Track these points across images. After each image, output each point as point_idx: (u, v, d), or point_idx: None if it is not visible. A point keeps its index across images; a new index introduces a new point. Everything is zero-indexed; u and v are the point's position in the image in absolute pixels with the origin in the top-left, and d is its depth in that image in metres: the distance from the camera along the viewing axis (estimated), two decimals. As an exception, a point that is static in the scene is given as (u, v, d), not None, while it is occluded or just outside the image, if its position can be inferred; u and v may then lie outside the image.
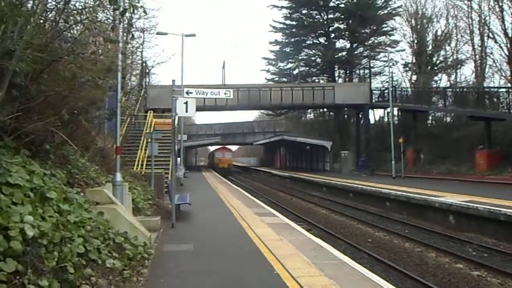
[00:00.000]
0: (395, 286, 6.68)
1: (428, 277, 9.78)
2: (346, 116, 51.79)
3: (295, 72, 48.40)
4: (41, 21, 7.43)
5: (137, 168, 19.27)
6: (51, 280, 4.26)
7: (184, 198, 14.08)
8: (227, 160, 60.45)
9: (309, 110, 58.31)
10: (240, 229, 11.16)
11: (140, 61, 33.12)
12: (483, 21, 35.50)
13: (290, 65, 54.13)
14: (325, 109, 53.11)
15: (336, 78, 51.53)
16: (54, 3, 7.52)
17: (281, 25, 52.83)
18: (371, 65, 48.16)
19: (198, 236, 10.23)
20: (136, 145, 21.87)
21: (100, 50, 8.84)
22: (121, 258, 6.66)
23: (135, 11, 6.75)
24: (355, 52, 50.39)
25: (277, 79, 56.83)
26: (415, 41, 42.40)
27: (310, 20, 51.15)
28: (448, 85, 40.07)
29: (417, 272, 10.15)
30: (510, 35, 32.30)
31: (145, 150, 20.22)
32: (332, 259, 7.88)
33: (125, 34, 14.51)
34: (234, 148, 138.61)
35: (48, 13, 7.64)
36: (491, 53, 36.80)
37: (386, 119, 45.18)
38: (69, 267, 4.86)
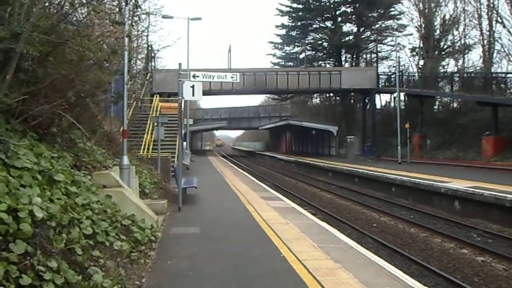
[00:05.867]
0: (400, 270, 6.71)
1: (433, 262, 9.82)
2: (352, 101, 51.56)
3: (301, 56, 48.14)
4: (47, 3, 7.40)
5: (143, 152, 19.33)
6: (60, 262, 4.29)
7: (191, 181, 14.14)
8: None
9: (315, 95, 58.09)
10: (247, 212, 11.21)
11: (145, 45, 32.99)
12: (491, 5, 35.05)
13: (296, 49, 53.79)
14: (331, 94, 52.90)
15: (343, 63, 51.17)
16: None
17: (288, 9, 52.36)
18: (378, 49, 47.84)
19: (204, 219, 10.30)
20: (143, 129, 21.90)
21: (107, 32, 8.76)
22: (129, 241, 6.72)
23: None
24: (362, 36, 49.91)
25: (283, 63, 56.55)
26: (423, 25, 41.88)
27: (317, 3, 50.57)
28: (455, 70, 39.72)
29: (422, 257, 10.20)
30: (519, 20, 31.88)
31: (151, 134, 20.27)
32: (337, 243, 7.93)
33: (130, 17, 14.41)
34: (238, 133, 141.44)
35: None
36: (500, 38, 36.22)
37: (392, 104, 45.00)
38: (77, 249, 4.89)
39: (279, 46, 56.58)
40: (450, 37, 41.91)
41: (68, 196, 5.76)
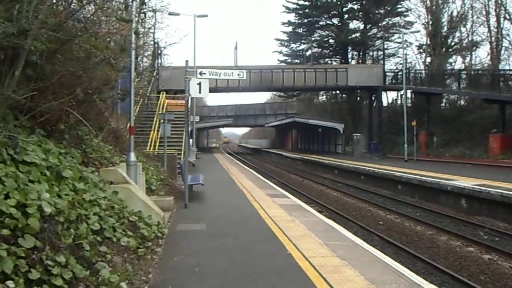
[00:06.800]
0: (406, 267, 6.70)
1: (439, 260, 9.80)
2: (358, 98, 51.42)
3: (307, 53, 48.00)
4: (55, 1, 7.45)
5: (150, 149, 19.39)
6: (68, 257, 4.33)
7: (197, 178, 14.17)
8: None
9: (321, 92, 57.98)
10: (253, 209, 11.23)
11: (152, 42, 33.05)
12: (499, 1, 34.83)
13: (302, 47, 53.67)
14: (337, 91, 52.76)
15: (349, 60, 51.04)
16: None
17: (294, 6, 52.24)
18: (385, 46, 47.60)
19: (210, 216, 10.32)
20: (149, 126, 21.96)
21: (114, 30, 8.81)
22: (136, 237, 6.77)
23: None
24: (369, 33, 49.72)
25: (289, 60, 56.49)
26: (430, 22, 41.67)
27: (324, 0, 50.45)
28: (462, 67, 39.51)
29: (428, 255, 10.17)
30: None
31: (158, 131, 20.32)
32: (344, 240, 7.92)
33: (137, 14, 14.46)
34: (244, 130, 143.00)
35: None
36: (507, 34, 36.15)
37: (399, 102, 44.89)
38: (85, 244, 4.94)
39: (286, 44, 56.52)
40: (457, 34, 41.77)
41: (76, 192, 5.81)
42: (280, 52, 57.52)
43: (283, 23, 54.74)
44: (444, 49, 40.88)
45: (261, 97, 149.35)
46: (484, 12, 36.83)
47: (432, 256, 10.16)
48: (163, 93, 27.09)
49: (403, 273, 6.02)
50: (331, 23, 52.21)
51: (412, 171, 21.21)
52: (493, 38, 36.52)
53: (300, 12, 52.48)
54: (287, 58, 57.18)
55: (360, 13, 49.66)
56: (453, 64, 42.17)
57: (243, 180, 18.99)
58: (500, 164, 22.99)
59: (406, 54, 39.00)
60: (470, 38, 39.84)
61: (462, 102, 38.34)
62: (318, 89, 49.65)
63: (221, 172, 23.45)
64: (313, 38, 51.08)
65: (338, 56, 53.14)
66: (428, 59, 42.86)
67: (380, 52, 47.82)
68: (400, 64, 42.74)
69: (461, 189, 15.25)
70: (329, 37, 52.44)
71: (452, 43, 42.15)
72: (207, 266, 6.21)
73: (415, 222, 13.80)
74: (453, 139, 32.04)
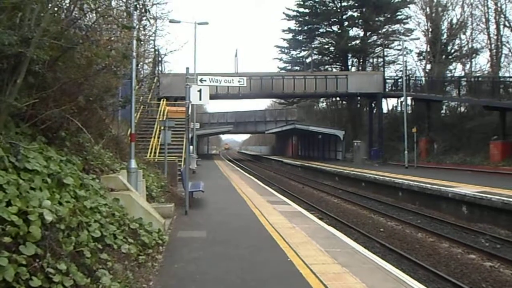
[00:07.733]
0: (407, 275, 6.68)
1: (440, 267, 9.76)
2: (359, 105, 51.51)
3: (308, 60, 48.15)
4: (56, 9, 7.48)
5: (150, 156, 19.39)
6: (69, 264, 4.33)
7: (198, 185, 14.16)
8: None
9: (321, 99, 58.09)
10: (253, 216, 11.22)
11: (152, 49, 33.11)
12: (499, 9, 35.03)
13: (303, 54, 53.85)
14: (337, 98, 52.86)
15: (349, 67, 51.19)
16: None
17: (294, 13, 52.50)
18: (385, 53, 47.78)
19: (211, 223, 10.31)
20: (150, 133, 21.95)
21: (115, 37, 8.86)
22: (136, 244, 6.75)
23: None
24: (369, 41, 49.91)
25: (289, 67, 56.67)
26: (430, 30, 41.84)
27: (324, 7, 50.70)
28: (462, 74, 39.60)
29: (429, 262, 10.14)
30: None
31: (158, 138, 20.33)
32: (344, 247, 7.91)
33: (138, 21, 14.52)
34: (245, 137, 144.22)
35: (63, 1, 7.69)
36: (507, 42, 36.23)
37: (399, 109, 44.99)
38: (86, 251, 4.94)
39: (286, 51, 56.76)
40: (457, 41, 41.94)
41: (76, 199, 5.80)
42: (280, 59, 57.83)
43: (283, 30, 55.06)
44: (444, 56, 41.02)
45: (262, 104, 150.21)
46: (483, 20, 37.04)
47: (433, 263, 10.13)
48: (163, 100, 27.12)
49: (404, 280, 6.01)
50: (331, 30, 52.42)
51: (412, 177, 21.19)
52: (493, 45, 36.67)
53: (300, 19, 52.72)
54: (287, 65, 57.38)
55: (360, 20, 49.88)
56: (453, 71, 42.40)
57: (243, 186, 18.98)
58: (501, 171, 22.98)
59: (406, 61, 39.20)
60: (470, 45, 40.05)
61: (462, 109, 38.40)
62: (318, 96, 49.78)
63: (222, 179, 23.44)
64: (313, 45, 51.30)
65: (338, 63, 53.33)
66: (428, 66, 43.02)
67: (380, 59, 48.03)
68: (400, 71, 42.88)
69: (462, 196, 15.23)
70: (329, 44, 52.63)
71: (452, 50, 42.32)
72: (207, 273, 6.20)
73: (416, 229, 13.77)
74: (454, 146, 32.06)
